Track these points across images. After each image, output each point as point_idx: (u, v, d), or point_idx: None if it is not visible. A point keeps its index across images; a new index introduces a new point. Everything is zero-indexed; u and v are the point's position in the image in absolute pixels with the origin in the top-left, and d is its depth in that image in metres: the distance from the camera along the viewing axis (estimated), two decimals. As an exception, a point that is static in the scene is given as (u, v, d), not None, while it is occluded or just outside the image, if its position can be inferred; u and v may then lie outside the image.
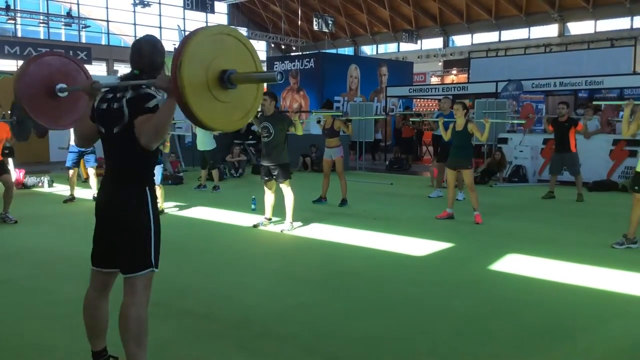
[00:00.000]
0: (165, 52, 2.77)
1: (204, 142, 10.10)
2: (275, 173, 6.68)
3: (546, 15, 26.93)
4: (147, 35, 2.79)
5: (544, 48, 26.24)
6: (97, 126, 2.72)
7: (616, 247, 5.87)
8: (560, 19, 26.92)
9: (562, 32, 27.48)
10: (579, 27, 27.32)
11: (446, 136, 7.79)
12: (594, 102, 10.79)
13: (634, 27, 25.28)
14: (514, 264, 5.32)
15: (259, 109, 7.00)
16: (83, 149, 8.63)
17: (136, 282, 2.63)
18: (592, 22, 26.51)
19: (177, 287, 4.47)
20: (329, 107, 8.79)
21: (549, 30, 28.07)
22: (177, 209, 8.22)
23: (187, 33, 2.40)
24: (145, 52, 2.68)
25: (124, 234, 2.63)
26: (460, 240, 6.27)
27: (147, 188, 2.68)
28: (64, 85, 3.10)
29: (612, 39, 24.26)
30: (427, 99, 20.85)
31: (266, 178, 6.80)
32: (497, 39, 29.70)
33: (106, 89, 2.76)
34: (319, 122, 9.08)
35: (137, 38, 2.77)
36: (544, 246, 5.99)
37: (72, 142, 8.73)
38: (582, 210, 8.51)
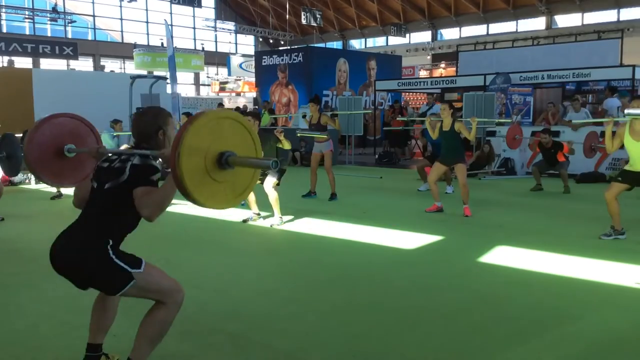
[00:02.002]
0: (167, 117, 2.80)
1: None
2: (268, 172, 6.70)
3: (534, 8, 27.05)
4: (143, 109, 2.86)
5: (531, 41, 26.33)
6: (92, 183, 2.73)
7: (604, 238, 5.91)
8: (548, 11, 27.05)
9: (550, 24, 27.62)
10: (566, 20, 27.48)
11: (434, 135, 7.73)
12: (574, 122, 10.81)
13: (621, 19, 25.45)
14: (503, 255, 5.35)
15: None
16: None
17: (144, 295, 2.63)
18: (579, 14, 26.67)
19: (166, 283, 4.44)
20: (316, 102, 8.72)
21: (537, 23, 28.21)
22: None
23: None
24: (135, 124, 2.82)
25: (85, 280, 2.60)
26: (450, 233, 6.28)
27: (112, 246, 2.58)
28: (72, 146, 3.17)
29: (599, 32, 24.39)
30: (416, 92, 20.88)
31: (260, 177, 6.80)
32: (485, 32, 29.81)
33: (111, 154, 2.82)
34: (304, 116, 9.03)
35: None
36: (532, 238, 6.03)
37: None
38: (570, 202, 8.56)
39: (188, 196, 2.32)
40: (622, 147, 5.92)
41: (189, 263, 5.24)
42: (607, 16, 26.02)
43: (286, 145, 6.84)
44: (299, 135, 9.57)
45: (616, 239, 5.88)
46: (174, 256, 5.34)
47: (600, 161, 10.75)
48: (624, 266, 4.95)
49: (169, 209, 8.33)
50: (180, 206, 8.10)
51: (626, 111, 5.65)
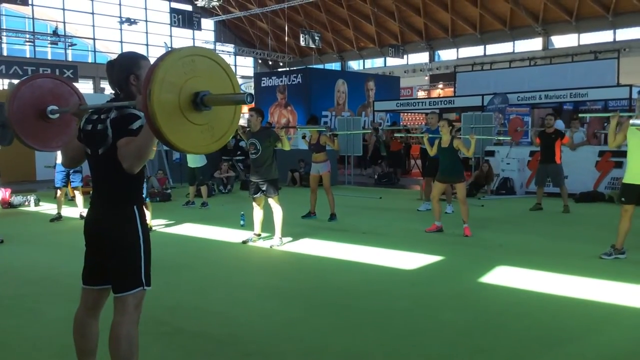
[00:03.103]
0: (138, 60, 2.73)
1: (195, 158, 10.09)
2: (264, 188, 6.68)
3: (530, 29, 27.29)
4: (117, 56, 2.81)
5: (528, 61, 26.54)
6: (84, 147, 2.73)
7: (604, 257, 5.90)
8: (544, 32, 27.29)
9: (546, 45, 27.84)
10: (562, 41, 27.69)
11: (431, 152, 7.84)
12: (580, 115, 10.92)
13: (617, 39, 25.67)
14: (504, 275, 5.34)
15: (247, 126, 7.00)
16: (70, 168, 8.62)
17: (127, 301, 2.60)
18: (576, 35, 26.89)
19: (166, 305, 4.43)
20: (314, 123, 8.81)
21: (533, 44, 28.42)
22: (165, 226, 8.17)
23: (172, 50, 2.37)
24: (109, 72, 2.73)
25: (114, 253, 2.62)
26: (450, 253, 6.27)
27: (135, 207, 2.67)
28: (55, 107, 3.08)
29: (596, 52, 24.60)
30: (414, 113, 20.98)
31: (255, 194, 6.79)
32: (482, 53, 30.02)
33: (92, 110, 2.77)
34: (304, 137, 9.09)
35: None
36: (532, 258, 6.01)
37: (58, 161, 8.68)
38: (569, 221, 8.56)
39: (161, 137, 2.22)
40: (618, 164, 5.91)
41: (188, 284, 5.22)
42: (603, 37, 26.24)
43: (286, 145, 6.85)
44: (298, 129, 9.66)
45: (616, 258, 5.87)
46: (173, 277, 5.33)
47: (599, 180, 10.77)
48: (625, 286, 4.94)
49: (167, 230, 8.30)
50: (179, 227, 8.10)
51: (631, 122, 5.63)
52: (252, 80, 27.04)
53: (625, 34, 25.53)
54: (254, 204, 6.90)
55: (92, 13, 32.12)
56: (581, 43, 26.74)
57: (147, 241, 2.68)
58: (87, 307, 2.77)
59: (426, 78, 31.23)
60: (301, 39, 29.50)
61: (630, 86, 12.88)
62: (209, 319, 4.22)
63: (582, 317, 4.20)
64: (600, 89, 13.87)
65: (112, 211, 2.64)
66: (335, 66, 36.07)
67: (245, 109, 8.34)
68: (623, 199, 5.85)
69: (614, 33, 25.88)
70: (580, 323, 4.06)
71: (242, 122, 27.08)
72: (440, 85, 28.89)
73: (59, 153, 9.05)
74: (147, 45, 33.86)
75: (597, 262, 5.80)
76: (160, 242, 6.57)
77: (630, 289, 4.85)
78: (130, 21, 30.21)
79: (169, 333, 3.88)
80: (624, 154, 9.52)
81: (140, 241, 2.64)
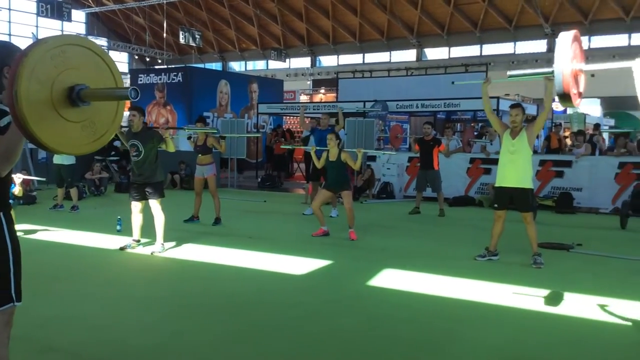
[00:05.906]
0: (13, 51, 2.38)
1: (62, 156, 9.31)
2: (149, 191, 6.34)
3: (405, 40, 28.61)
4: None
5: (405, 71, 27.76)
6: None
7: (479, 259, 6.22)
8: (418, 44, 28.72)
9: (420, 56, 29.33)
10: (435, 53, 29.33)
11: (319, 164, 7.79)
12: (475, 122, 11.55)
13: (483, 54, 27.62)
14: (390, 278, 5.45)
15: (126, 125, 6.59)
16: None
17: None
18: (447, 48, 28.59)
19: (36, 321, 4.00)
20: (203, 124, 8.52)
21: (408, 55, 29.83)
22: (31, 232, 7.47)
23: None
24: None
25: None
26: (338, 257, 6.31)
27: (1, 213, 2.34)
28: None
29: (466, 65, 26.26)
30: (298, 116, 21.08)
31: (137, 196, 6.41)
32: (361, 61, 31.00)
33: None
34: (189, 138, 8.77)
35: None
36: (414, 260, 6.20)
37: None
38: (445, 224, 8.98)
39: (34, 140, 1.99)
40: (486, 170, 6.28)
41: (60, 297, 4.78)
42: (471, 51, 28.12)
43: (171, 147, 6.51)
44: (186, 130, 9.32)
45: (489, 259, 6.21)
46: (42, 289, 4.84)
47: (470, 185, 11.44)
48: (500, 286, 5.21)
49: (33, 236, 7.62)
50: (46, 233, 7.46)
51: (508, 73, 6.02)
52: (128, 76, 25.82)
53: (491, 49, 27.55)
54: (132, 208, 6.50)
55: (-55, -5, 29.05)
56: (452, 56, 28.47)
57: (16, 251, 2.37)
58: None
59: (308, 82, 31.65)
60: (181, 36, 28.61)
61: (498, 98, 13.77)
62: (84, 334, 3.87)
63: (462, 317, 4.35)
64: (470, 100, 14.71)
65: None
66: (216, 66, 35.47)
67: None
68: (496, 205, 6.21)
69: (481, 48, 27.84)
70: (462, 324, 4.21)
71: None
72: (322, 90, 29.37)
73: None
74: (9, 35, 31.22)
75: (473, 263, 6.11)
76: (25, 250, 5.92)
77: (505, 288, 5.13)
78: (-9, 8, 27.67)
79: (40, 352, 3.51)
80: (492, 161, 10.21)
81: (8, 251, 2.33)
